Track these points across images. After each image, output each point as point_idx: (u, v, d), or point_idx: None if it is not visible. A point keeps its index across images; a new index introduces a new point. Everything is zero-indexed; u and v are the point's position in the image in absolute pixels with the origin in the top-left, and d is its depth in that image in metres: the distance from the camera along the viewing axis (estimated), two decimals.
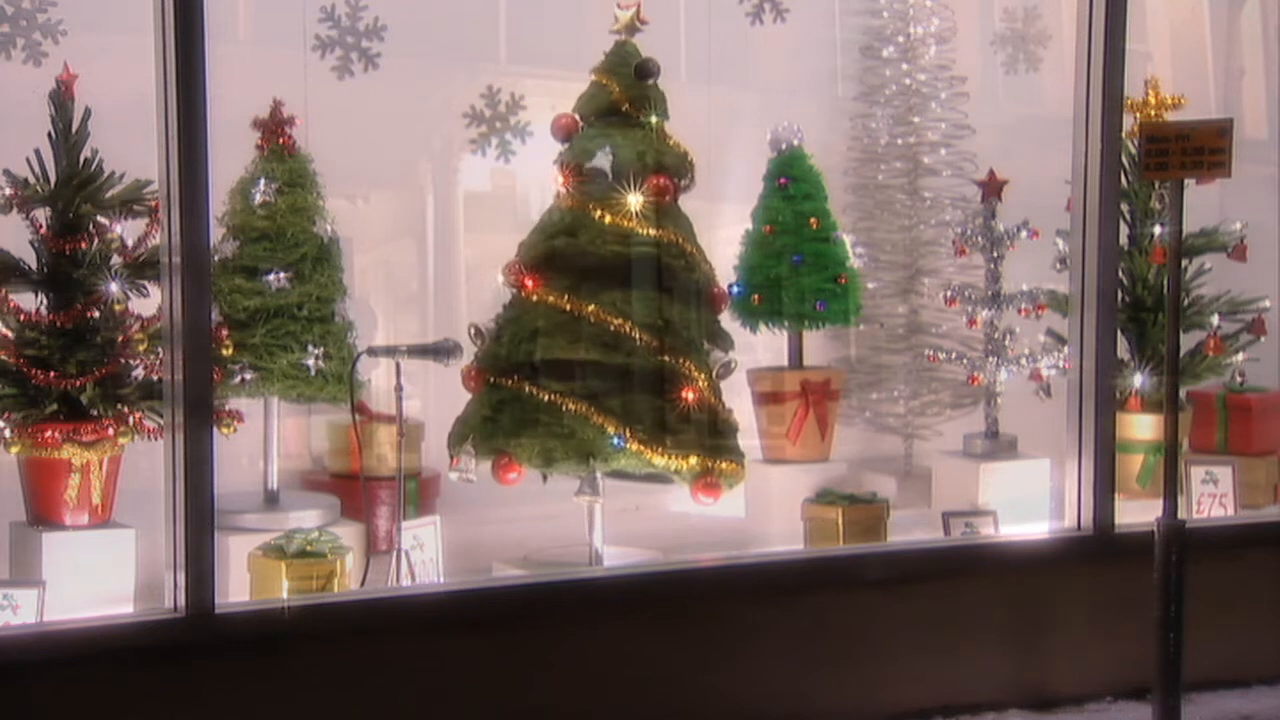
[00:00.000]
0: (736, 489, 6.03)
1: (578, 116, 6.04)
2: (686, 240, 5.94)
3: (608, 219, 5.81)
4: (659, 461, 5.70)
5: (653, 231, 5.84)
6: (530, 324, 5.78)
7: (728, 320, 6.58)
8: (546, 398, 5.68)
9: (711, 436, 5.84)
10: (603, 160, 5.89)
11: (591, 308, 5.71)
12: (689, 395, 5.74)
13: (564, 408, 5.66)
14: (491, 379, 5.81)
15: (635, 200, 5.80)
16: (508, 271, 5.90)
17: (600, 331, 5.72)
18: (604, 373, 5.71)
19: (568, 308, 5.74)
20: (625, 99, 5.96)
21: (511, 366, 5.78)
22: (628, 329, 5.72)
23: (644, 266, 5.84)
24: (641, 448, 5.66)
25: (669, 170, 5.92)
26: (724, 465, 5.82)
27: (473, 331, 5.89)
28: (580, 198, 5.87)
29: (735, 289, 6.18)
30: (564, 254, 5.82)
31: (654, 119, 5.98)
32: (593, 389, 5.69)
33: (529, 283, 5.79)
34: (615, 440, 5.64)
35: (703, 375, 5.83)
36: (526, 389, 5.72)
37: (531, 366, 5.75)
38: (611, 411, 5.66)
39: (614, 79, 5.98)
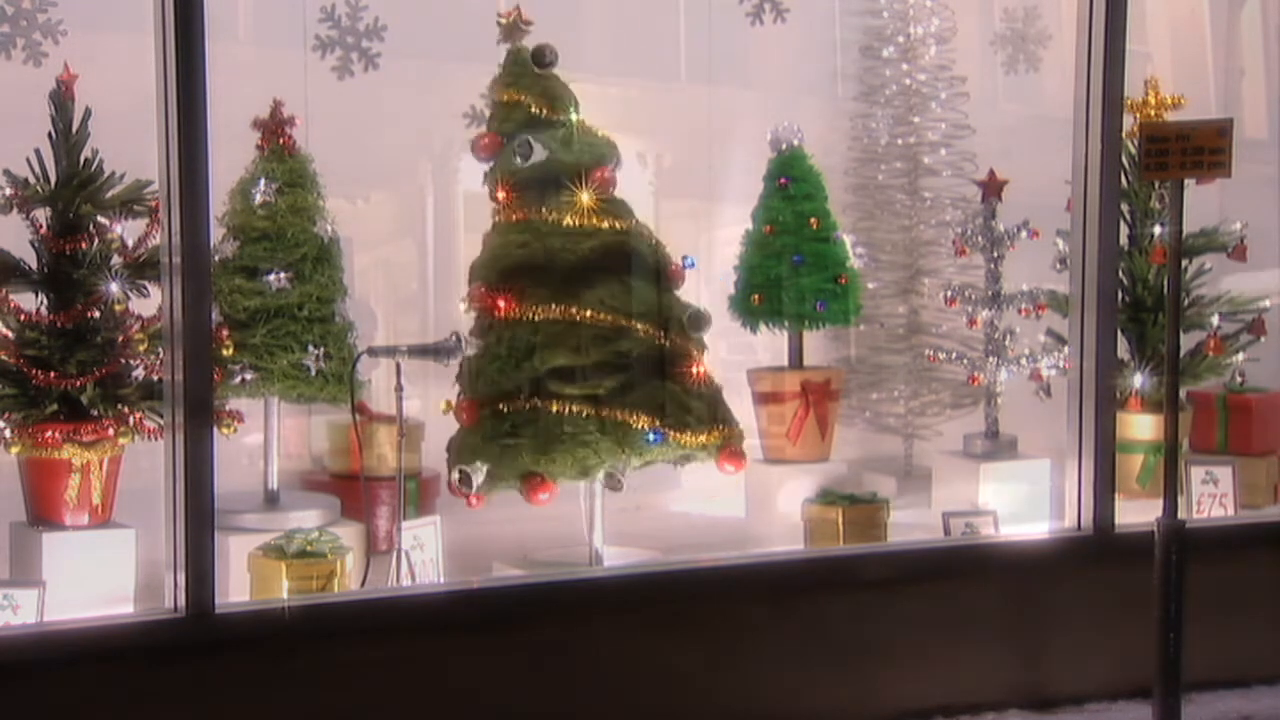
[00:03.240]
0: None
1: (500, 136, 5.97)
2: (639, 224, 5.94)
3: (566, 221, 5.78)
4: (688, 442, 5.71)
5: (616, 224, 5.83)
6: (525, 341, 5.72)
7: (727, 320, 6.59)
8: (568, 409, 5.65)
9: (719, 406, 5.85)
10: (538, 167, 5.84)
11: (587, 312, 5.69)
12: (696, 370, 5.76)
13: (586, 415, 5.64)
14: (494, 407, 5.74)
15: (588, 197, 5.78)
16: (472, 297, 5.84)
17: (599, 331, 5.70)
18: (614, 370, 5.70)
19: (560, 316, 5.70)
20: (540, 105, 5.91)
21: (516, 389, 5.73)
22: (624, 322, 5.71)
23: (618, 259, 5.83)
24: (672, 434, 5.67)
25: (603, 161, 5.90)
26: (735, 433, 5.85)
27: (460, 343, 5.82)
28: (529, 208, 5.84)
29: (688, 262, 6.18)
30: (533, 266, 5.77)
31: (573, 116, 5.94)
32: (609, 389, 5.67)
33: (501, 304, 5.73)
34: (653, 436, 5.65)
35: (698, 350, 5.83)
36: (540, 405, 5.68)
37: (537, 383, 5.71)
38: (635, 406, 5.66)
39: (520, 90, 5.93)
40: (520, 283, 5.76)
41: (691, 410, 5.74)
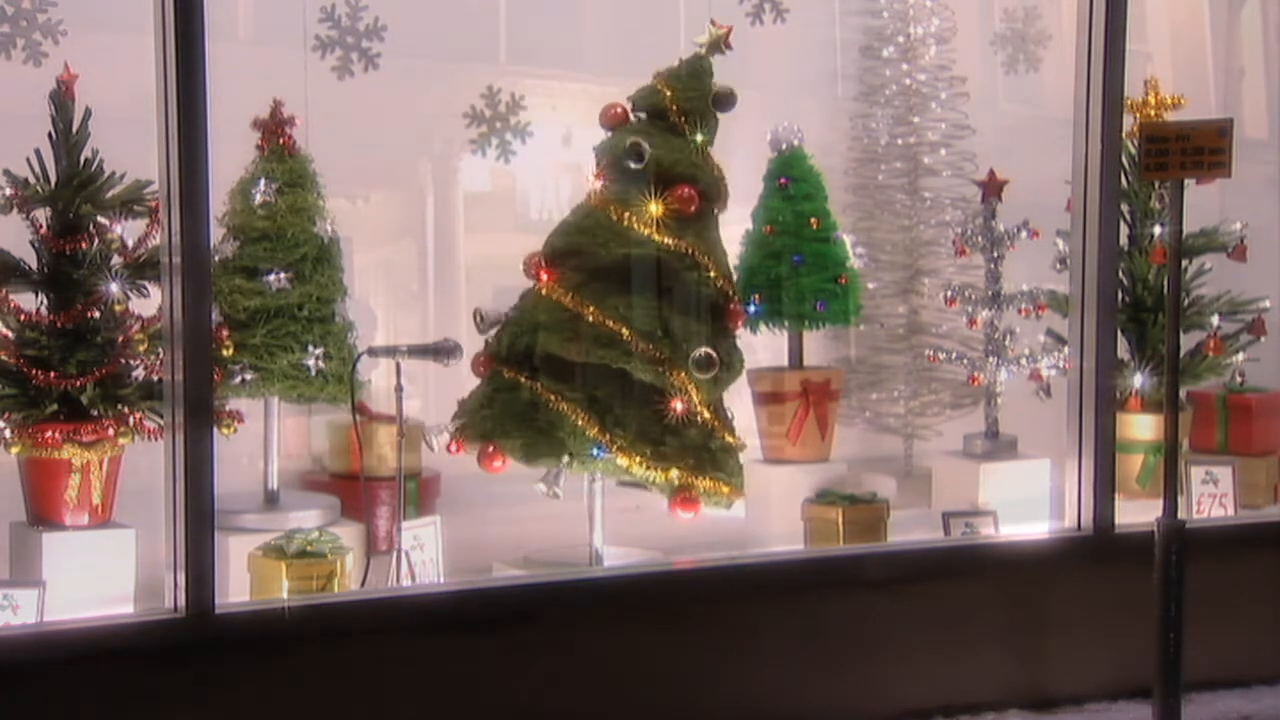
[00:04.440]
0: (732, 505, 5.94)
1: (630, 109, 5.98)
2: (704, 254, 5.86)
3: (624, 221, 5.78)
4: (635, 471, 5.68)
5: (669, 240, 5.80)
6: (533, 318, 5.77)
7: None
8: (536, 392, 5.69)
9: (699, 451, 5.77)
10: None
11: (592, 309, 5.70)
12: (676, 406, 5.71)
13: (549, 405, 5.66)
14: (495, 369, 5.82)
15: (655, 206, 5.76)
16: (528, 262, 5.89)
17: (598, 334, 5.69)
18: (596, 375, 5.69)
19: (570, 306, 5.72)
20: (676, 109, 5.91)
21: (512, 357, 5.78)
22: (625, 334, 5.70)
23: (652, 274, 5.81)
24: (620, 456, 5.65)
25: (698, 185, 5.87)
26: (706, 482, 5.75)
27: (478, 318, 5.87)
28: (603, 196, 5.85)
29: (754, 308, 6.13)
30: (579, 251, 5.80)
31: (699, 138, 5.93)
32: (583, 390, 5.67)
33: (543, 275, 5.78)
34: (596, 450, 5.63)
35: (698, 390, 5.77)
36: (521, 381, 5.73)
37: (530, 360, 5.74)
38: (596, 415, 5.64)
39: (673, 85, 5.93)
40: (565, 263, 5.79)
41: (657, 443, 5.69)
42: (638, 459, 5.65)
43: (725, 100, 5.98)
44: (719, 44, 6.01)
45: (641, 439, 5.68)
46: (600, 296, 5.73)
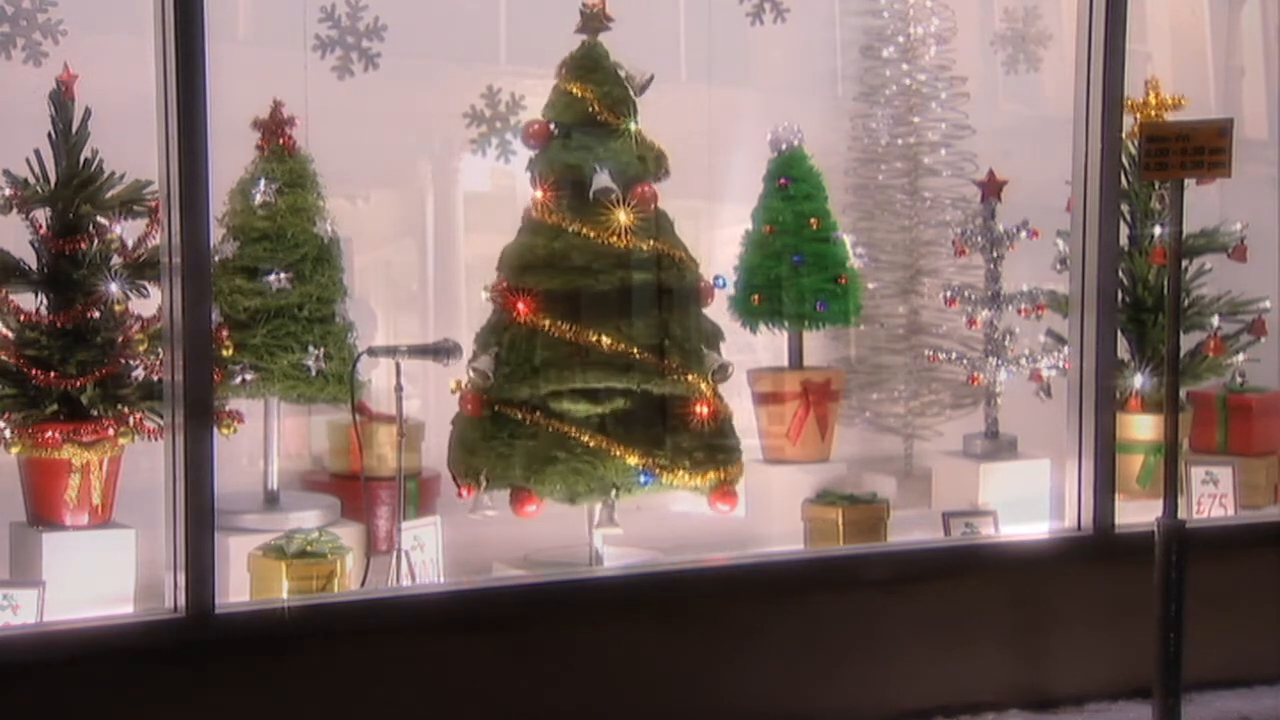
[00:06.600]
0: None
1: (551, 124, 5.93)
2: (674, 246, 5.87)
3: (597, 238, 5.72)
4: (678, 483, 5.70)
5: (645, 246, 5.77)
6: (532, 355, 5.68)
7: (727, 320, 6.58)
8: (564, 431, 5.62)
9: (723, 441, 5.81)
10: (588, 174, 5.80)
11: (596, 336, 5.63)
12: (703, 410, 5.71)
13: (583, 442, 5.61)
14: (497, 408, 5.73)
15: (626, 217, 5.72)
16: (495, 290, 5.83)
17: (609, 360, 5.64)
18: (617, 400, 5.67)
19: (573, 338, 5.64)
20: (602, 106, 5.85)
21: (519, 398, 5.69)
22: (636, 354, 5.66)
23: (643, 286, 5.77)
24: (665, 475, 5.65)
25: (650, 176, 5.86)
26: (734, 470, 5.83)
27: (471, 374, 5.78)
28: (567, 215, 5.77)
29: (719, 281, 6.17)
30: (555, 275, 5.71)
31: (632, 125, 5.90)
32: (610, 420, 5.65)
33: (521, 306, 5.69)
34: (644, 477, 5.62)
35: (709, 386, 5.79)
36: (539, 421, 5.65)
37: (542, 397, 5.66)
38: (631, 442, 5.63)
39: (587, 85, 5.85)
40: (541, 289, 5.71)
41: (690, 453, 5.70)
42: (681, 473, 5.66)
43: (647, 88, 5.93)
44: (597, 20, 5.91)
45: (678, 452, 5.68)
46: (600, 324, 5.67)
